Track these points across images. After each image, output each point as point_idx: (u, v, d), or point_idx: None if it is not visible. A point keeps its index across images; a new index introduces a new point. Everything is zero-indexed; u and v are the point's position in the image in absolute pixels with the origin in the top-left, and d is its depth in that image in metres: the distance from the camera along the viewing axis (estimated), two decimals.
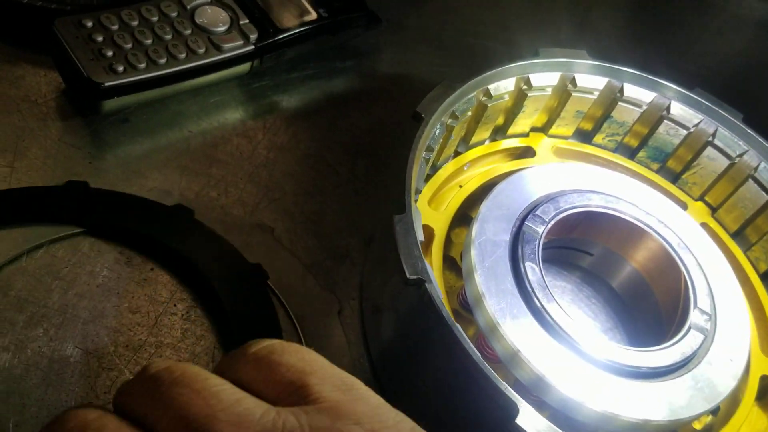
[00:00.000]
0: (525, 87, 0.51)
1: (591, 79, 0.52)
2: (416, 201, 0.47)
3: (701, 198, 0.54)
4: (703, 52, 0.79)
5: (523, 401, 0.34)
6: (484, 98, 0.49)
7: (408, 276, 0.36)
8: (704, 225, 0.52)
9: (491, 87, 0.49)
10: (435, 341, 0.37)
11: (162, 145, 0.54)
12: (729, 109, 0.51)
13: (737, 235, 0.52)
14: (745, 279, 0.51)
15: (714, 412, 0.44)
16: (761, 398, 0.45)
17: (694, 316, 0.44)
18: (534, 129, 0.55)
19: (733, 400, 0.44)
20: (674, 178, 0.55)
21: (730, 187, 0.52)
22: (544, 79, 0.51)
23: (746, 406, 0.44)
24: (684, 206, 0.53)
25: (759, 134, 0.51)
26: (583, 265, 0.53)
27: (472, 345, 0.35)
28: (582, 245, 0.51)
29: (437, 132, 0.45)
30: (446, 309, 0.36)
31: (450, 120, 0.47)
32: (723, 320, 0.45)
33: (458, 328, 0.35)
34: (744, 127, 0.51)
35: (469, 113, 0.49)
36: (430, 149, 0.45)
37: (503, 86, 0.50)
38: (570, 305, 0.51)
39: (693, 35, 0.81)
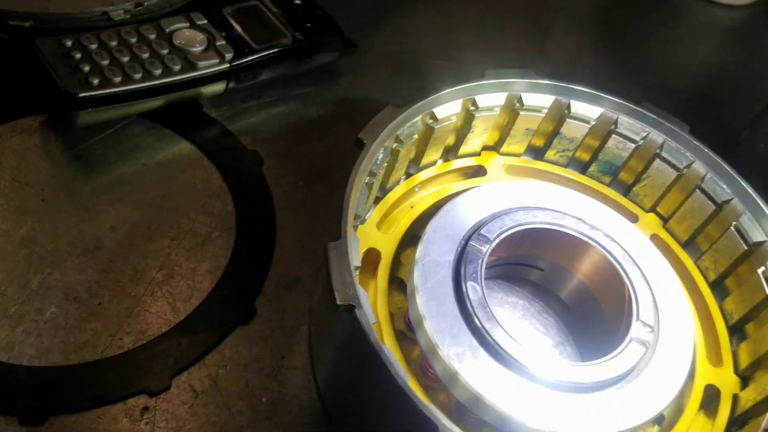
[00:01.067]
0: (472, 108, 0.51)
1: (538, 98, 0.52)
2: (360, 225, 0.48)
3: (653, 209, 0.54)
4: (663, 64, 0.80)
5: (443, 421, 0.34)
6: (431, 121, 0.50)
7: (338, 302, 0.37)
8: (655, 236, 0.53)
9: (437, 110, 0.50)
10: (366, 366, 0.38)
11: (116, 180, 0.55)
12: (676, 121, 0.52)
13: (688, 244, 0.53)
14: (694, 288, 0.51)
15: (658, 421, 0.44)
16: (706, 407, 0.45)
17: (636, 329, 0.44)
18: (486, 148, 0.55)
19: (678, 408, 0.44)
20: (626, 190, 0.55)
21: (680, 198, 0.52)
22: (491, 99, 0.52)
23: (690, 414, 0.44)
24: (635, 218, 0.54)
25: (705, 145, 0.51)
26: (534, 279, 0.53)
27: (398, 368, 0.35)
28: (531, 261, 0.52)
29: (380, 157, 0.46)
30: (374, 334, 0.36)
31: (395, 144, 0.48)
32: (667, 331, 0.45)
33: (386, 352, 0.36)
34: (690, 138, 0.51)
35: (416, 136, 0.49)
36: (373, 174, 0.46)
37: (450, 108, 0.50)
38: (521, 320, 0.51)
39: (652, 47, 0.82)
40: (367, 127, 0.45)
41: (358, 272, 0.42)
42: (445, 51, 0.73)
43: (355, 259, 0.40)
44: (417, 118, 0.49)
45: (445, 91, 0.49)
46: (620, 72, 0.76)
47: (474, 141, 0.54)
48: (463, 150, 0.55)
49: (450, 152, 0.55)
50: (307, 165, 0.59)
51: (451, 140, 0.54)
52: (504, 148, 0.56)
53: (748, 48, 0.85)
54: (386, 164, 0.48)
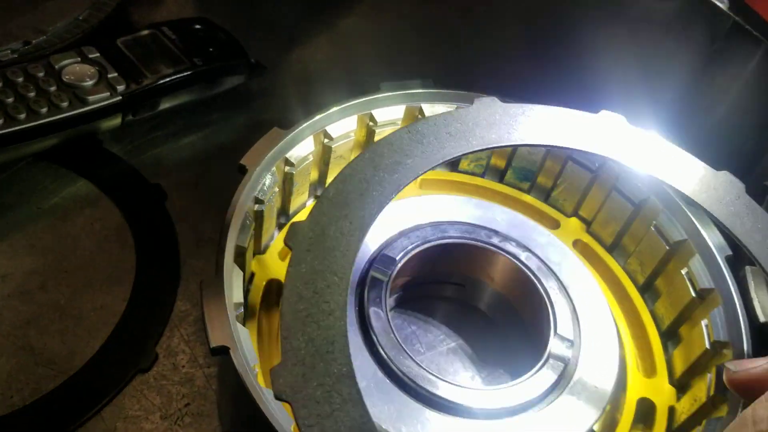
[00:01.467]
0: (371, 123, 0.49)
1: (438, 108, 0.50)
2: (260, 255, 0.45)
3: (575, 213, 0.52)
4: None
5: None
6: (326, 140, 0.48)
7: (211, 344, 0.34)
8: (578, 242, 0.51)
9: (330, 128, 0.47)
10: (249, 411, 0.35)
11: (9, 227, 0.52)
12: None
13: (614, 248, 0.50)
14: (624, 294, 0.49)
15: None
16: (642, 421, 0.43)
17: (554, 345, 0.42)
18: None
19: (610, 425, 0.42)
20: (545, 196, 0.53)
21: (599, 201, 0.50)
22: (390, 113, 0.49)
23: (624, 429, 0.42)
24: (557, 224, 0.52)
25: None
26: (453, 295, 0.51)
27: (278, 413, 0.33)
28: (447, 277, 0.50)
29: (267, 183, 0.43)
30: (250, 377, 0.33)
31: (287, 167, 0.45)
32: (589, 344, 0.43)
33: (264, 394, 0.33)
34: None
35: (311, 158, 0.47)
36: (260, 201, 0.43)
37: (345, 125, 0.48)
38: (443, 341, 0.49)
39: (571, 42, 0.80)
40: (250, 152, 0.43)
41: (242, 309, 0.39)
42: (363, 66, 0.70)
43: (237, 294, 0.38)
44: (308, 138, 0.46)
45: (336, 108, 0.47)
46: (537, 77, 0.73)
47: None
48: None
49: None
50: (216, 195, 0.56)
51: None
52: None
53: (682, 41, 0.83)
54: (279, 189, 0.45)
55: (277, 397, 0.29)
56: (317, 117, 0.46)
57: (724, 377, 0.36)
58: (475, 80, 0.54)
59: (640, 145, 0.42)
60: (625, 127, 0.43)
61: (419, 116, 0.50)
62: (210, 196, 0.56)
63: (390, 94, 0.49)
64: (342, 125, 0.48)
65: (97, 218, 0.53)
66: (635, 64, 0.65)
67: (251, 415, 0.32)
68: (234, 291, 0.37)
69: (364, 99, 0.48)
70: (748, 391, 0.35)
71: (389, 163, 0.37)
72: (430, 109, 0.50)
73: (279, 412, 0.33)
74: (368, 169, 0.37)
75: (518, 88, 0.51)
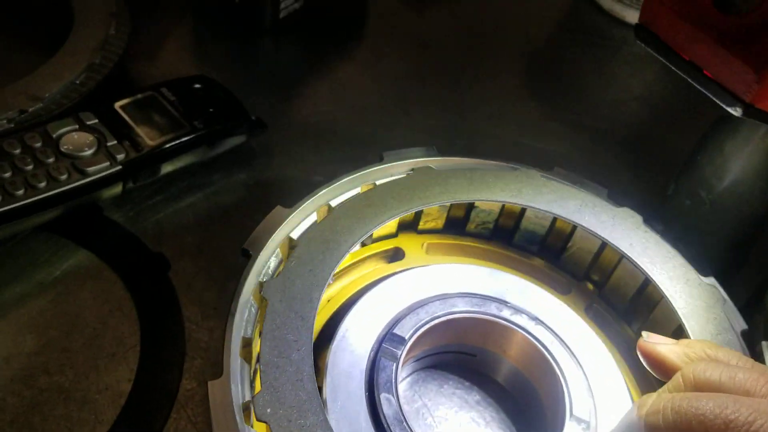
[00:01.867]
0: None
1: None
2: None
3: (586, 277, 0.51)
4: (588, 103, 0.77)
5: None
6: (329, 214, 0.47)
7: None
8: (591, 307, 0.50)
9: (334, 202, 0.46)
10: None
11: (9, 304, 0.51)
12: (592, 186, 0.49)
13: (627, 314, 0.49)
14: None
15: None
16: None
17: (570, 428, 0.41)
18: (402, 227, 0.52)
19: None
20: (555, 258, 0.52)
21: (609, 266, 0.49)
22: None
23: None
24: (567, 289, 0.51)
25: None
26: (469, 366, 0.50)
27: None
28: (460, 348, 0.49)
29: (271, 265, 0.42)
30: None
31: (290, 246, 0.45)
32: (606, 424, 0.42)
33: None
34: (609, 203, 0.48)
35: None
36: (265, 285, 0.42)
37: (348, 196, 0.47)
38: (458, 414, 0.48)
39: (576, 87, 0.79)
40: (253, 235, 0.42)
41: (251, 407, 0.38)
42: (365, 117, 0.70)
43: (246, 393, 0.37)
44: (312, 214, 0.45)
45: (340, 181, 0.46)
46: (549, 121, 0.73)
47: (390, 223, 0.51)
48: (377, 233, 0.51)
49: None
50: (218, 262, 0.56)
51: None
52: (422, 226, 0.52)
53: (683, 79, 0.82)
54: (282, 268, 0.44)
55: (258, 419, 0.36)
56: (320, 192, 0.45)
57: (637, 343, 0.40)
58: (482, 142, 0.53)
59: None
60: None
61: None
62: (214, 263, 0.55)
63: (394, 163, 0.48)
64: (345, 197, 0.47)
65: (100, 291, 0.52)
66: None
67: None
68: (241, 389, 0.36)
69: (366, 170, 0.48)
70: (653, 365, 0.40)
71: (345, 225, 0.45)
72: None
73: None
74: (327, 231, 0.45)
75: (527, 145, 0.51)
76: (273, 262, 0.43)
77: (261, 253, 0.41)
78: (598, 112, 0.76)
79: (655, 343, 0.40)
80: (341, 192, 0.47)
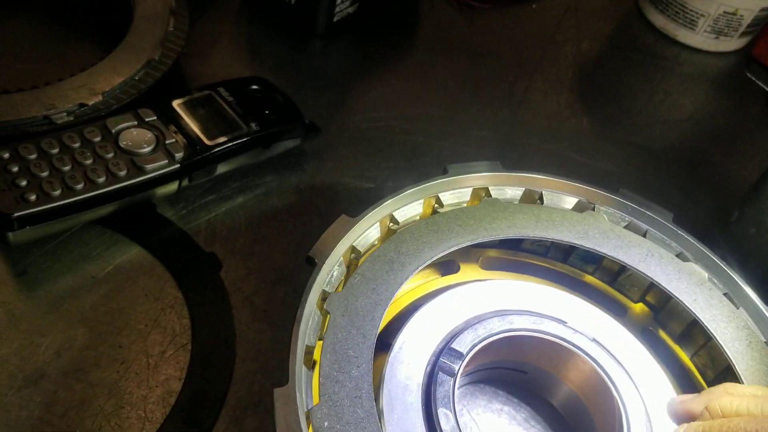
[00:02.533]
0: (437, 205, 0.48)
1: (507, 191, 0.49)
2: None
3: (642, 299, 0.51)
4: (645, 124, 0.77)
5: None
6: (391, 224, 0.47)
7: None
8: (647, 330, 0.49)
9: (397, 213, 0.46)
10: None
11: (62, 297, 0.51)
12: (658, 209, 0.49)
13: (683, 338, 0.49)
14: (693, 389, 0.47)
15: None
16: None
17: None
18: None
19: None
20: (611, 279, 0.51)
21: (668, 289, 0.49)
22: (456, 196, 0.49)
23: None
24: (623, 311, 0.50)
25: (690, 235, 0.48)
26: (520, 383, 0.50)
27: None
28: (513, 365, 0.48)
29: (335, 274, 0.42)
30: None
31: (352, 255, 0.45)
32: None
33: None
34: (674, 228, 0.48)
35: (376, 243, 0.46)
36: (327, 293, 0.42)
37: (411, 210, 0.48)
38: (507, 430, 0.48)
39: (633, 108, 0.79)
40: (319, 243, 0.42)
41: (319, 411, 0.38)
42: (415, 125, 0.70)
43: (309, 401, 0.37)
44: (374, 223, 0.45)
45: (404, 193, 0.46)
46: (600, 139, 0.73)
47: None
48: None
49: None
50: (269, 264, 0.56)
51: None
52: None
53: (738, 101, 0.82)
54: (344, 278, 0.44)
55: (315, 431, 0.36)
56: (386, 202, 0.45)
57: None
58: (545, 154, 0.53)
59: None
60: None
61: (485, 196, 0.49)
62: (264, 265, 0.55)
63: (457, 177, 0.47)
64: (408, 210, 0.47)
65: (152, 288, 0.53)
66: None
67: None
68: (305, 396, 0.36)
69: (431, 183, 0.47)
70: (683, 420, 0.41)
71: (410, 248, 0.45)
72: (496, 192, 0.49)
73: None
74: (392, 252, 0.45)
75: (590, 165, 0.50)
76: (336, 272, 0.43)
77: (326, 262, 0.41)
78: (650, 131, 0.75)
79: (681, 401, 0.42)
80: (405, 203, 0.47)
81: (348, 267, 0.45)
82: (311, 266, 0.41)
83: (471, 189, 0.49)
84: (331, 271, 0.42)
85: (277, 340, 0.51)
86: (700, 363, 0.48)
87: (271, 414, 0.35)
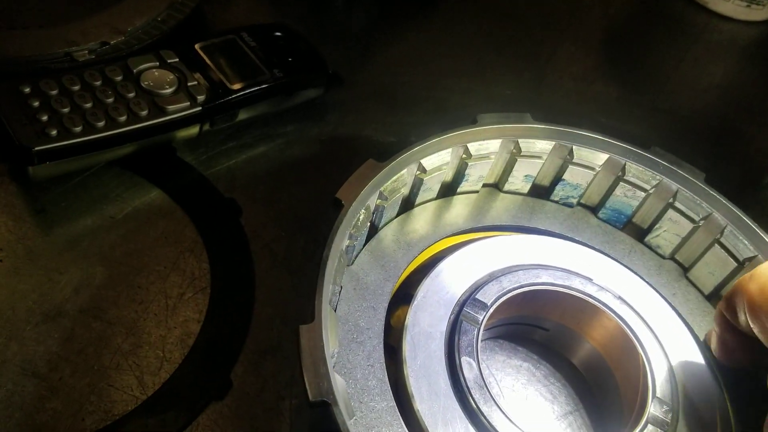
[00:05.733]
0: (464, 156, 0.48)
1: (537, 144, 0.49)
2: (348, 266, 0.44)
3: (672, 257, 0.51)
4: (675, 90, 0.76)
5: None
6: (419, 172, 0.47)
7: (311, 398, 0.34)
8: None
9: (424, 161, 0.46)
10: None
11: (81, 236, 0.51)
12: (689, 168, 0.49)
13: (713, 297, 0.49)
14: None
15: None
16: None
17: (653, 408, 0.41)
18: (486, 186, 0.52)
19: None
20: (640, 236, 0.52)
21: (698, 251, 0.49)
22: (485, 146, 0.49)
23: None
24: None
25: (722, 195, 0.48)
26: (539, 339, 0.50)
27: None
28: (535, 321, 0.49)
29: (361, 218, 0.43)
30: None
31: (378, 201, 0.45)
32: (689, 409, 0.42)
33: None
34: (706, 188, 0.48)
35: (403, 191, 0.46)
36: (353, 237, 0.42)
37: (439, 158, 0.47)
38: (526, 387, 0.48)
39: (662, 73, 0.78)
40: (345, 185, 0.42)
41: (335, 358, 0.38)
42: (443, 80, 0.70)
43: (333, 341, 0.37)
44: (403, 171, 0.45)
45: (433, 140, 0.46)
46: (627, 103, 0.72)
47: (471, 186, 0.51)
48: (460, 190, 0.51)
49: (447, 191, 0.52)
50: (289, 213, 0.56)
51: (446, 182, 0.51)
52: (506, 188, 0.52)
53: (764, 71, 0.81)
54: (369, 223, 0.44)
55: None
56: (414, 149, 0.45)
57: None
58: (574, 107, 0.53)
59: None
60: None
61: (514, 150, 0.49)
62: (284, 214, 0.56)
63: (487, 127, 0.47)
64: (435, 158, 0.47)
65: (171, 231, 0.53)
66: None
67: None
68: (330, 338, 0.37)
69: (460, 131, 0.47)
70: None
71: (419, 227, 0.49)
72: (525, 144, 0.49)
73: None
74: (401, 231, 0.47)
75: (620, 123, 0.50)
76: (362, 215, 0.43)
77: (352, 205, 0.41)
78: (677, 98, 0.75)
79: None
80: (433, 151, 0.47)
81: (374, 213, 0.45)
82: (337, 208, 0.41)
83: (500, 141, 0.49)
84: (357, 215, 0.42)
85: (296, 288, 0.51)
86: None
87: (295, 351, 0.35)
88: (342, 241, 0.41)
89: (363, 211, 0.43)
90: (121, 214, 0.53)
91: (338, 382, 0.35)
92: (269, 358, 0.47)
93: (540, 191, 0.53)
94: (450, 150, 0.47)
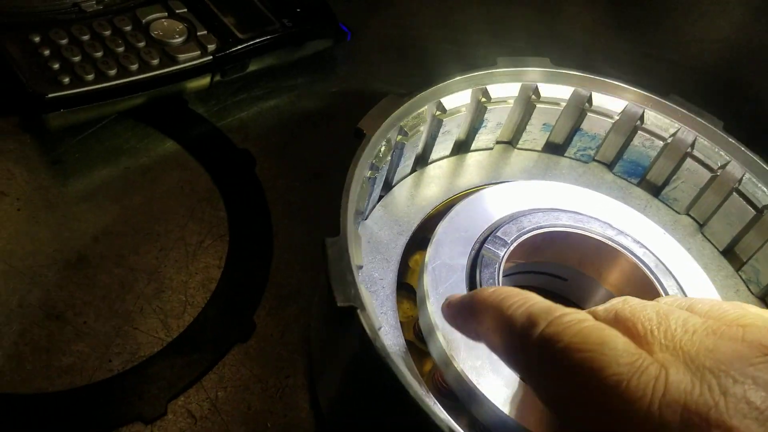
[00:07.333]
0: (483, 99, 0.52)
1: (556, 89, 0.53)
2: (363, 221, 0.48)
3: (687, 213, 0.55)
4: (691, 40, 0.80)
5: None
6: (438, 112, 0.51)
7: (338, 303, 0.36)
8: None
9: (444, 100, 0.50)
10: (372, 376, 0.38)
11: (97, 186, 0.55)
12: (708, 116, 0.52)
13: (728, 252, 0.53)
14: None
15: None
16: None
17: None
18: (500, 143, 0.56)
19: None
20: (656, 191, 0.56)
21: (716, 202, 0.53)
22: (504, 90, 0.52)
23: None
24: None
25: (741, 143, 0.51)
26: (557, 290, 0.54)
27: (408, 376, 0.35)
28: (552, 269, 0.52)
29: (382, 149, 0.46)
30: (380, 339, 0.36)
31: (399, 137, 0.48)
32: None
33: (393, 358, 0.35)
34: (725, 135, 0.51)
35: (422, 128, 0.50)
36: (375, 168, 0.46)
37: (458, 99, 0.51)
38: None
39: (678, 20, 0.82)
40: (367, 117, 0.45)
41: (360, 272, 0.42)
42: (451, 34, 0.73)
43: (357, 257, 0.41)
44: (422, 109, 0.49)
45: (453, 80, 0.50)
46: (638, 55, 0.76)
47: (486, 137, 0.55)
48: (475, 145, 0.55)
49: (461, 148, 0.55)
50: (302, 163, 0.60)
51: (461, 135, 0.54)
52: (520, 144, 0.56)
53: None
54: (390, 158, 0.48)
55: None
56: (433, 87, 0.49)
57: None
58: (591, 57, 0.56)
59: None
60: None
61: (533, 96, 0.53)
62: (298, 165, 0.59)
63: (506, 69, 0.51)
64: (455, 98, 0.51)
65: (186, 181, 0.56)
66: None
67: (377, 375, 0.35)
68: (355, 253, 0.40)
69: (480, 72, 0.51)
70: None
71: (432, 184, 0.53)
72: (544, 89, 0.52)
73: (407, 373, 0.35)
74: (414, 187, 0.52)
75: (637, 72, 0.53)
76: (383, 147, 0.46)
77: (374, 136, 0.45)
78: (685, 49, 0.79)
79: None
80: (453, 91, 0.50)
81: (393, 149, 0.48)
82: (359, 138, 0.45)
83: (520, 84, 0.52)
84: (378, 146, 0.46)
85: (312, 236, 0.55)
86: (745, 278, 0.52)
87: (323, 264, 0.38)
88: (364, 169, 0.44)
89: (384, 143, 0.46)
90: (136, 164, 0.57)
91: (364, 292, 0.38)
92: (290, 302, 0.51)
93: (554, 147, 0.57)
94: (470, 91, 0.51)
